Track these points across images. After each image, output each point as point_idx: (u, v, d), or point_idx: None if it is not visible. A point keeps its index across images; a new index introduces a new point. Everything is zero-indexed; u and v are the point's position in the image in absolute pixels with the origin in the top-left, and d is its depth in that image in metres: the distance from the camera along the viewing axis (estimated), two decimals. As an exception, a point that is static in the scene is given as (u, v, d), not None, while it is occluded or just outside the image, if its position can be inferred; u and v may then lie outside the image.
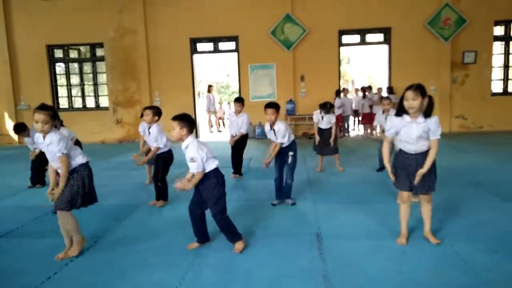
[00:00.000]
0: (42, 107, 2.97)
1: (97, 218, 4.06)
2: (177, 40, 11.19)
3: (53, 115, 2.98)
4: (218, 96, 26.46)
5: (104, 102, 12.04)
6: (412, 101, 2.85)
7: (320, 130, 6.21)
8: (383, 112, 5.75)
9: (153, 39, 11.24)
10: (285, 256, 3.00)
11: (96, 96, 12.05)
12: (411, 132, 2.94)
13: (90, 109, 12.04)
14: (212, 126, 14.40)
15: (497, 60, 11.04)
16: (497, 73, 11.12)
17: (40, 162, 5.63)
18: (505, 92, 11.11)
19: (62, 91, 12.07)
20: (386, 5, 10.62)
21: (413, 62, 10.68)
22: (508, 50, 11.01)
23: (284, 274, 2.71)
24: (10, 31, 11.51)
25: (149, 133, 4.47)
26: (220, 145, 9.99)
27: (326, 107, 6.14)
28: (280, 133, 4.20)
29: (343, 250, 3.07)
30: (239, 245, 3.13)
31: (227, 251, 3.14)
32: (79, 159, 3.10)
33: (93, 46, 11.78)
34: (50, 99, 11.70)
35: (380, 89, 11.79)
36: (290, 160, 4.29)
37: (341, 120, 11.04)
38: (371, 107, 11.14)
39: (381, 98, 5.98)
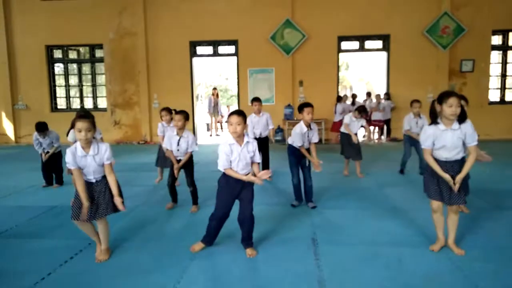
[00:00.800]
0: (85, 115, 2.88)
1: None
2: (176, 43, 11.21)
3: (94, 122, 2.92)
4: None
5: (102, 103, 12.02)
6: (456, 108, 2.80)
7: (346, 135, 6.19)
8: (414, 116, 5.86)
9: (152, 42, 11.26)
10: (280, 261, 3.00)
11: (95, 97, 12.04)
12: (447, 140, 2.89)
13: (88, 110, 12.01)
14: (210, 129, 14.37)
15: (495, 69, 11.11)
16: (494, 82, 11.19)
17: (49, 163, 5.68)
18: (502, 101, 11.18)
19: (60, 92, 12.05)
20: (386, 13, 10.69)
21: (412, 69, 10.74)
22: (506, 60, 11.09)
23: (279, 280, 2.70)
24: (10, 31, 11.51)
25: (180, 138, 4.23)
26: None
27: (365, 111, 6.16)
28: (316, 131, 4.34)
29: (339, 256, 3.06)
30: (253, 251, 3.15)
31: (223, 255, 3.13)
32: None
33: (92, 47, 11.79)
34: (48, 99, 11.69)
35: (378, 96, 11.85)
36: (308, 162, 4.38)
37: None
38: (370, 113, 11.18)
39: (412, 101, 5.96)
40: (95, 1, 11.40)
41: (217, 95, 13.70)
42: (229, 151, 2.99)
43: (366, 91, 13.70)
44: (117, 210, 3.06)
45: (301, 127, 4.30)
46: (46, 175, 5.77)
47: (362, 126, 6.20)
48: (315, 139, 4.39)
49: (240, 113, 3.00)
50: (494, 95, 11.19)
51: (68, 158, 2.88)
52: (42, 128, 5.45)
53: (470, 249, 3.11)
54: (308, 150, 4.41)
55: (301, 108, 4.28)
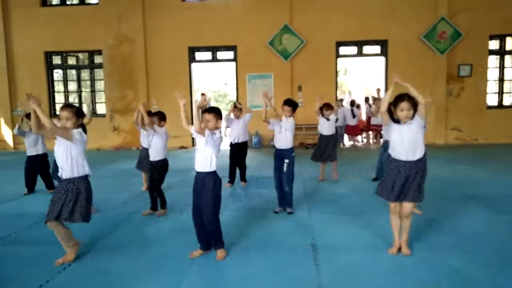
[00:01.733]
0: (66, 105, 3.14)
1: (91, 225, 4.00)
2: (175, 49, 11.24)
3: (76, 112, 3.10)
4: (216, 105, 26.52)
5: (101, 109, 12.02)
6: (408, 112, 2.94)
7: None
8: None
9: (151, 48, 11.28)
10: (279, 267, 2.99)
11: (93, 103, 12.04)
12: (403, 135, 3.01)
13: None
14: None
15: (492, 73, 11.16)
16: (492, 87, 11.24)
17: (35, 167, 5.62)
18: (500, 105, 11.22)
19: (59, 98, 12.06)
20: (383, 18, 10.74)
21: (410, 74, 10.72)
22: (503, 64, 11.13)
23: (279, 285, 2.70)
24: (9, 37, 11.53)
25: (153, 136, 4.44)
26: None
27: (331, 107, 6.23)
28: (289, 129, 4.32)
29: (338, 262, 3.06)
30: (221, 252, 3.18)
31: (221, 261, 3.12)
32: (79, 170, 3.08)
33: (91, 53, 11.81)
34: (47, 105, 11.68)
35: (378, 100, 11.87)
36: (285, 168, 4.32)
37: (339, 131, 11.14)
38: (369, 118, 11.21)
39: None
40: (94, 7, 11.45)
41: (205, 99, 13.50)
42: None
43: (365, 96, 13.73)
44: (87, 220, 3.13)
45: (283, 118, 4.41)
46: (29, 181, 5.69)
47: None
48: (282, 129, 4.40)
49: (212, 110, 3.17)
50: (492, 100, 11.23)
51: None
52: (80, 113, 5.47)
53: (469, 254, 3.11)
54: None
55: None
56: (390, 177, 3.10)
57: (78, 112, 3.11)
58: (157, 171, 4.45)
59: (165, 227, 4.04)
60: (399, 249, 3.16)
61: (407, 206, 3.08)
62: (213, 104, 26.89)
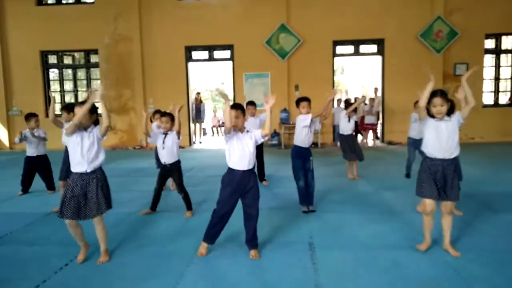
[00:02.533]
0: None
1: (89, 225, 4.00)
2: (172, 48, 11.22)
3: (92, 109, 3.03)
4: (213, 104, 26.47)
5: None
6: (441, 107, 2.93)
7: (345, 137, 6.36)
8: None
9: (148, 47, 11.25)
10: (277, 266, 2.99)
11: (90, 102, 11.97)
12: (441, 132, 2.98)
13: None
14: (194, 135, 13.63)
15: (488, 72, 11.21)
16: (488, 86, 11.30)
17: (30, 169, 5.59)
18: (496, 104, 11.28)
19: (55, 97, 11.97)
20: (380, 17, 10.77)
21: (406, 73, 10.80)
22: (499, 63, 11.20)
23: (276, 284, 2.70)
24: (4, 37, 11.48)
25: (165, 140, 4.34)
26: (213, 153, 10.00)
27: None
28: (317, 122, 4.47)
29: (336, 261, 3.06)
30: (257, 252, 3.18)
31: (218, 260, 3.12)
32: (101, 159, 3.11)
33: (87, 53, 11.77)
34: (43, 105, 11.62)
35: (372, 100, 11.92)
36: (311, 165, 4.40)
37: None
38: (363, 117, 11.24)
39: (415, 102, 5.91)
40: (90, 6, 11.41)
41: (201, 100, 13.30)
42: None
43: (361, 95, 13.75)
44: (109, 208, 3.13)
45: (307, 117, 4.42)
46: (25, 182, 5.64)
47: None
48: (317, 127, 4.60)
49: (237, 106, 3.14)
50: (488, 98, 11.29)
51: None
52: (32, 114, 5.44)
53: (466, 252, 3.12)
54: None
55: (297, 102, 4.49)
56: (427, 177, 3.05)
57: (92, 109, 3.03)
58: (177, 173, 4.38)
59: (164, 227, 4.03)
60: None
61: (449, 204, 3.07)
62: (210, 103, 26.87)
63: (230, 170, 3.11)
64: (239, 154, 3.05)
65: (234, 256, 3.18)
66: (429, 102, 2.99)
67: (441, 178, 3.01)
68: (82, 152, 2.98)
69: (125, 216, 4.40)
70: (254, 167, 3.18)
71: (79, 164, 2.98)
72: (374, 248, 3.29)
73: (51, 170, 5.67)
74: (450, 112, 3.02)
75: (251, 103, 6.00)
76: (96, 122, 3.14)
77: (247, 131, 3.13)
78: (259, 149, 5.91)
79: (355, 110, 6.25)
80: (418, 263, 2.96)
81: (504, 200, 4.75)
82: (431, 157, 3.05)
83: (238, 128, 3.09)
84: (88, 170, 3.00)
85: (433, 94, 2.97)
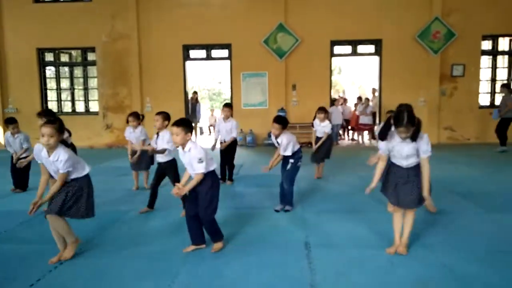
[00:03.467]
0: (49, 121, 2.92)
1: (84, 224, 3.97)
2: (169, 47, 11.19)
3: (59, 128, 2.92)
4: (210, 103, 26.44)
5: (94, 107, 11.93)
6: (405, 134, 2.89)
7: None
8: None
9: (145, 45, 11.22)
10: (273, 265, 2.98)
11: (86, 100, 11.95)
12: (402, 151, 2.99)
13: (80, 113, 11.92)
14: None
15: (485, 73, 11.26)
16: (484, 87, 11.34)
17: (13, 166, 5.57)
18: (492, 105, 11.30)
19: (51, 95, 11.94)
20: (378, 17, 10.79)
21: (403, 73, 10.84)
22: (496, 64, 11.25)
23: (272, 284, 2.69)
24: (0, 34, 11.39)
25: (158, 137, 4.37)
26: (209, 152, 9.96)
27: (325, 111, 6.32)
28: (283, 145, 4.32)
29: (332, 260, 3.06)
30: (218, 245, 3.25)
31: (214, 259, 3.11)
32: (80, 172, 3.08)
33: (84, 51, 11.71)
34: (39, 103, 11.57)
35: (367, 100, 11.97)
36: (288, 166, 4.40)
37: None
38: (358, 117, 11.28)
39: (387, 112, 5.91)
40: (87, 4, 11.35)
41: (197, 99, 13.22)
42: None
43: (358, 95, 13.79)
44: (85, 217, 3.11)
45: (272, 136, 4.46)
46: (15, 178, 5.69)
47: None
48: (281, 151, 4.41)
49: (179, 123, 3.05)
50: (484, 99, 11.33)
51: (34, 151, 2.99)
52: (10, 121, 5.45)
53: (460, 252, 3.13)
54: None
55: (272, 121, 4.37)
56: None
57: (61, 127, 2.95)
58: (172, 171, 4.39)
59: (159, 225, 4.01)
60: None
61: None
62: (207, 102, 26.83)
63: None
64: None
65: (230, 255, 3.17)
66: (395, 125, 2.92)
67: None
68: (51, 171, 3.02)
69: (120, 214, 4.39)
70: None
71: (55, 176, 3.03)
72: (369, 247, 3.29)
73: (29, 169, 5.62)
74: (414, 137, 2.92)
75: (227, 105, 6.16)
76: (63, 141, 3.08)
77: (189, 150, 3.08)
78: (232, 149, 6.02)
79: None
80: (414, 263, 2.96)
81: (498, 200, 4.78)
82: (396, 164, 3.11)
83: (178, 146, 3.12)
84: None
85: (399, 124, 2.85)
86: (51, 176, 3.10)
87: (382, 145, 3.12)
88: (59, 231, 3.07)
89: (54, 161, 2.92)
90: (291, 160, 4.39)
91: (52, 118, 3.09)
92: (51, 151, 2.92)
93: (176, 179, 4.41)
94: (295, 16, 10.89)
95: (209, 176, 3.14)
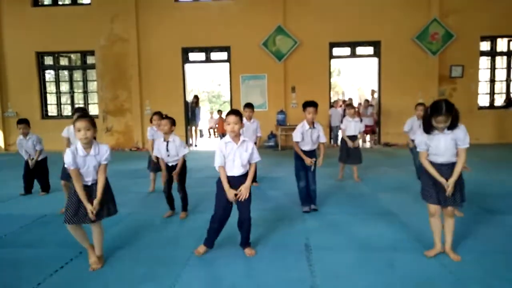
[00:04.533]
0: (82, 115, 2.94)
1: (85, 227, 3.99)
2: (169, 49, 11.21)
3: (92, 121, 2.93)
4: (209, 106, 26.46)
5: (94, 110, 11.94)
6: (444, 124, 2.87)
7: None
8: (418, 118, 5.52)
9: (144, 48, 11.24)
10: (273, 267, 2.98)
11: (86, 104, 11.95)
12: (440, 143, 2.95)
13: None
14: (190, 138, 12.96)
15: (484, 74, 11.28)
16: (483, 88, 11.36)
17: (34, 170, 5.58)
18: (491, 106, 11.35)
19: (51, 99, 11.95)
20: (376, 19, 10.82)
21: (402, 75, 10.86)
22: (494, 65, 11.27)
23: (272, 286, 2.69)
24: (0, 37, 11.41)
25: (167, 143, 4.25)
26: (210, 155, 9.97)
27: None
28: (320, 131, 4.37)
29: (332, 262, 3.06)
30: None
31: (215, 262, 3.11)
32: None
33: (84, 54, 11.73)
34: (39, 106, 11.58)
35: (366, 101, 11.98)
36: (313, 167, 4.39)
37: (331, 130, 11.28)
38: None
39: (416, 104, 5.72)
40: (86, 7, 11.38)
41: (197, 103, 12.99)
42: (224, 149, 3.11)
43: (358, 97, 13.80)
44: (111, 214, 3.09)
45: (303, 124, 4.37)
46: (27, 183, 5.66)
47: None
48: (322, 138, 4.45)
49: (237, 113, 3.14)
50: (483, 100, 11.35)
51: (67, 158, 2.87)
52: (21, 121, 5.42)
53: (462, 254, 3.13)
54: (312, 152, 4.44)
55: (304, 107, 4.36)
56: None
57: (93, 121, 2.94)
58: (179, 174, 4.35)
59: (160, 228, 4.02)
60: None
61: (449, 208, 3.07)
62: (206, 105, 26.84)
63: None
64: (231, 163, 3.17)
65: (231, 258, 3.18)
66: (431, 115, 2.88)
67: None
68: (86, 172, 2.96)
69: (122, 218, 4.38)
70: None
71: (86, 178, 2.97)
72: (370, 249, 3.29)
73: (47, 172, 5.68)
74: (453, 125, 2.91)
75: (248, 105, 5.98)
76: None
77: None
78: None
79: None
80: (414, 265, 2.96)
81: (500, 201, 4.77)
82: (433, 162, 3.05)
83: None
84: (89, 184, 2.99)
85: (438, 111, 2.83)
86: (65, 178, 3.07)
87: (420, 141, 3.04)
88: (101, 238, 3.12)
89: (95, 155, 2.93)
90: (314, 159, 4.38)
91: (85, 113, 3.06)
92: (88, 146, 2.91)
93: (183, 180, 4.41)
94: (293, 18, 10.92)
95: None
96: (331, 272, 2.88)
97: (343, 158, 6.28)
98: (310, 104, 4.30)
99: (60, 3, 11.85)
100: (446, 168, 3.01)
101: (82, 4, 11.61)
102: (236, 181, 3.14)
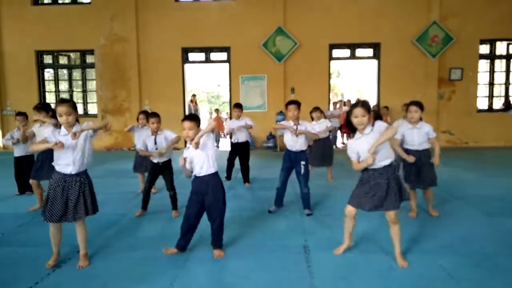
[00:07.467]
0: (62, 101, 2.97)
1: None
2: (168, 49, 11.20)
3: (74, 105, 2.96)
4: (209, 106, 26.46)
5: (92, 109, 11.92)
6: (362, 118, 2.86)
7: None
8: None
9: (144, 48, 11.22)
10: (272, 269, 2.98)
11: (85, 103, 11.93)
12: (363, 147, 2.90)
13: (79, 116, 11.87)
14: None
15: (483, 77, 11.31)
16: (482, 90, 11.39)
17: (24, 169, 5.52)
18: (490, 109, 11.37)
19: (50, 97, 11.92)
20: (376, 21, 10.83)
21: (401, 77, 10.87)
22: (493, 68, 11.30)
23: (271, 287, 2.68)
24: (-1, 36, 11.40)
25: (156, 136, 4.39)
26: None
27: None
28: (307, 125, 4.47)
29: (331, 264, 3.05)
30: (220, 252, 3.22)
31: (213, 263, 3.10)
32: (88, 160, 3.06)
33: (83, 53, 11.71)
34: (38, 105, 11.53)
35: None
36: (303, 169, 4.37)
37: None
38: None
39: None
40: (86, 6, 11.37)
41: (196, 102, 13.14)
42: (188, 154, 3.20)
43: (356, 98, 13.83)
44: (89, 214, 3.07)
45: (289, 122, 4.50)
46: (19, 182, 5.59)
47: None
48: (313, 130, 4.56)
49: (192, 118, 3.24)
50: (482, 103, 11.38)
51: (48, 133, 2.91)
52: (20, 113, 5.35)
53: (460, 256, 3.13)
54: (302, 153, 4.45)
55: (286, 105, 4.52)
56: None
57: (74, 105, 2.99)
58: (166, 173, 4.43)
59: (156, 228, 4.00)
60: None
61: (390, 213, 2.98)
62: (206, 105, 26.84)
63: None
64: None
65: (228, 259, 3.17)
66: (349, 113, 2.94)
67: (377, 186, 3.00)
68: (73, 154, 2.91)
69: (118, 217, 4.37)
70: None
71: (67, 165, 2.91)
72: (368, 251, 3.29)
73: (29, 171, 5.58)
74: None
75: (238, 106, 6.25)
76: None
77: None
78: (245, 153, 6.08)
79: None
80: (413, 266, 2.95)
81: (497, 203, 4.77)
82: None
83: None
84: (73, 172, 2.93)
85: (354, 105, 2.95)
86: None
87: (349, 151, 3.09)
88: (85, 236, 3.11)
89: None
90: (303, 162, 4.38)
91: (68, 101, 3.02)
92: (70, 130, 2.93)
93: (171, 178, 4.47)
94: (294, 19, 10.92)
95: (217, 174, 3.27)
96: (330, 274, 2.88)
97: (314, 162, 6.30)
98: (290, 102, 4.45)
99: (60, 1, 11.85)
100: (379, 172, 2.99)
101: (82, 3, 11.60)
102: (200, 187, 3.19)
